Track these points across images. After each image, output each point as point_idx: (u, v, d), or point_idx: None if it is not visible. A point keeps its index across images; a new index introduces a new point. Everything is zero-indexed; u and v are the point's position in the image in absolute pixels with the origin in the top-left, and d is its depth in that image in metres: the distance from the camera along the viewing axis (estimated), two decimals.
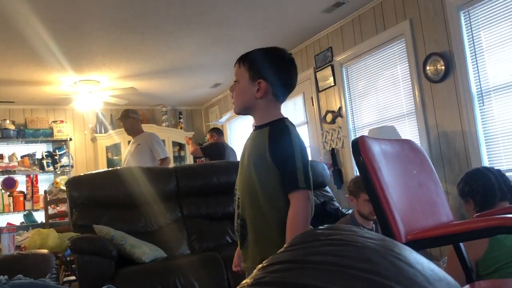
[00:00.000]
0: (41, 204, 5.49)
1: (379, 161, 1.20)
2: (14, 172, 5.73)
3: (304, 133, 4.91)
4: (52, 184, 5.75)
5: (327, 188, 4.10)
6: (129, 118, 4.50)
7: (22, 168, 5.79)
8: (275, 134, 1.42)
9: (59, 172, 6.07)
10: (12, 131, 5.81)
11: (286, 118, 1.50)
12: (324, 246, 0.50)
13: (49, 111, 6.33)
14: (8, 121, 5.86)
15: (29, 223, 5.32)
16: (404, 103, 3.71)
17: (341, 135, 4.34)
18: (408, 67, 3.60)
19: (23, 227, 4.98)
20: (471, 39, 3.12)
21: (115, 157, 6.40)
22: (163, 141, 6.66)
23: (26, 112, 6.19)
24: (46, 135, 6.10)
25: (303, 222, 1.32)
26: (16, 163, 5.78)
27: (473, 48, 3.12)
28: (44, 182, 5.95)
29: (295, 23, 4.19)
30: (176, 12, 3.65)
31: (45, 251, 2.54)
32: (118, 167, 4.68)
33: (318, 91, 4.63)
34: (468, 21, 3.13)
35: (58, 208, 5.28)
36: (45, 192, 5.05)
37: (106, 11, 3.51)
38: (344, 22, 4.21)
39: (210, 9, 3.65)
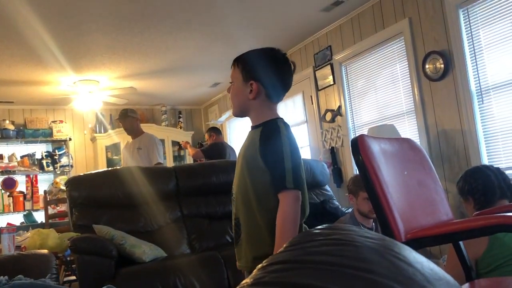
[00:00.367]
0: (41, 204, 5.49)
1: (379, 160, 1.20)
2: (13, 172, 5.73)
3: (303, 132, 4.91)
4: (52, 184, 5.75)
5: (327, 187, 4.10)
6: (128, 118, 4.47)
7: (22, 168, 5.79)
8: (266, 134, 1.42)
9: (58, 172, 6.07)
10: (11, 131, 5.81)
11: (280, 118, 1.50)
12: (323, 245, 0.50)
13: (48, 111, 6.32)
14: (7, 121, 5.86)
15: (29, 223, 5.32)
16: (404, 101, 3.71)
17: (341, 134, 4.34)
18: (407, 65, 3.60)
19: (23, 227, 4.97)
20: (470, 37, 3.12)
21: (114, 157, 6.40)
22: (163, 140, 6.69)
23: (25, 112, 6.19)
24: (45, 135, 6.10)
25: (291, 223, 1.33)
26: (15, 163, 5.78)
27: (472, 46, 3.12)
28: (43, 182, 5.95)
29: (294, 22, 4.19)
30: (175, 12, 3.65)
31: (45, 251, 2.54)
32: (118, 167, 4.67)
33: (317, 89, 4.63)
34: (467, 19, 3.13)
35: (58, 208, 5.28)
36: (45, 192, 5.05)
37: (105, 11, 3.51)
38: (343, 21, 4.21)
39: (208, 9, 3.65)
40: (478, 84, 3.10)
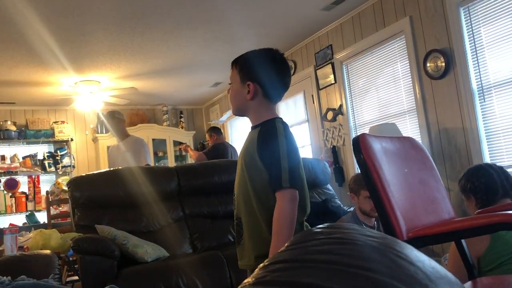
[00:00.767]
0: (43, 204, 5.50)
1: (380, 158, 1.20)
2: (16, 173, 5.74)
3: (305, 131, 4.91)
4: (54, 184, 5.75)
5: (329, 186, 4.10)
6: (115, 119, 4.29)
7: (24, 169, 5.80)
8: (264, 134, 1.44)
9: (60, 173, 6.08)
10: (13, 132, 5.82)
11: (279, 118, 1.51)
12: (324, 244, 0.50)
13: (50, 111, 6.34)
14: (9, 122, 5.87)
15: (32, 224, 5.33)
16: (405, 100, 3.70)
17: (342, 132, 4.34)
18: (408, 64, 3.60)
19: (25, 228, 4.98)
20: (471, 35, 3.12)
21: None
22: (164, 140, 6.69)
23: (27, 113, 6.20)
24: (47, 136, 6.11)
25: (287, 221, 1.33)
26: (18, 164, 5.79)
27: (473, 44, 3.11)
28: (46, 183, 5.96)
29: (295, 21, 4.19)
30: (176, 12, 3.65)
31: (47, 251, 2.54)
32: (119, 167, 4.66)
33: (318, 89, 4.62)
34: (468, 18, 3.13)
35: (60, 208, 5.29)
36: (47, 192, 5.05)
37: (106, 12, 3.51)
38: (344, 20, 4.20)
39: (209, 8, 3.65)
40: (480, 82, 3.09)
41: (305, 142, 4.91)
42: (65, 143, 6.26)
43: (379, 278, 0.44)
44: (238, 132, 6.51)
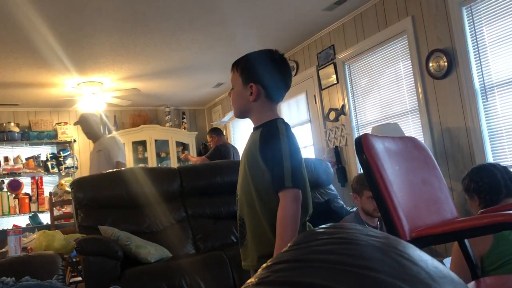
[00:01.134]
0: (47, 205, 5.52)
1: (383, 158, 1.20)
2: (19, 174, 5.76)
3: (307, 132, 4.91)
4: (57, 185, 5.77)
5: (331, 186, 4.10)
6: (89, 122, 4.29)
7: (27, 170, 5.82)
8: (265, 135, 1.45)
9: (63, 174, 6.10)
10: (16, 134, 5.84)
11: (280, 118, 1.52)
12: (327, 244, 0.50)
13: (53, 113, 6.35)
14: (12, 124, 5.89)
15: (35, 225, 5.34)
16: (407, 100, 3.70)
17: (345, 133, 4.34)
18: (410, 64, 3.59)
19: (29, 229, 4.99)
20: (474, 35, 3.11)
21: None
22: (167, 141, 6.70)
23: (30, 115, 6.22)
24: (50, 137, 6.13)
25: (290, 221, 1.34)
26: (21, 165, 5.81)
27: (475, 44, 3.11)
28: (49, 184, 5.98)
29: (297, 22, 4.19)
30: (178, 13, 3.66)
31: (51, 252, 2.55)
32: (123, 168, 4.68)
33: (321, 89, 4.62)
34: (471, 17, 3.12)
35: (64, 209, 5.31)
36: (50, 193, 5.07)
37: (109, 13, 3.52)
38: (346, 20, 4.20)
39: (211, 9, 3.66)
40: (482, 82, 3.08)
41: (307, 143, 4.90)
42: (68, 144, 6.27)
43: (382, 278, 0.44)
44: (241, 132, 6.51)
